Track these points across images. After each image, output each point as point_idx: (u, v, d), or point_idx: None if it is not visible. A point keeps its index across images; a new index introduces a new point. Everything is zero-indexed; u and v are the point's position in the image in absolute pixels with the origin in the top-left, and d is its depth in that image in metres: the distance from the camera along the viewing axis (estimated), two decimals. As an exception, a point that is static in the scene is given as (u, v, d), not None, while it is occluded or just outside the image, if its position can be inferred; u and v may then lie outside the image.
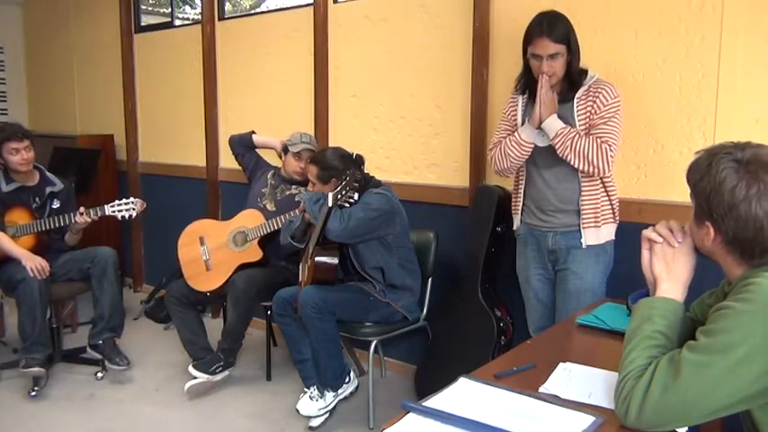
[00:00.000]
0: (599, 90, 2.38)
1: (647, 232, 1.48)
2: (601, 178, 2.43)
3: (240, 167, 3.74)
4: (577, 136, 2.34)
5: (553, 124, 2.37)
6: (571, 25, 2.40)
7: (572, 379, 1.51)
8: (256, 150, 3.70)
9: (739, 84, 2.41)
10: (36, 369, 3.23)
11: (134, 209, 3.44)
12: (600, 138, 2.34)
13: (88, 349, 3.48)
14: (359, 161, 2.99)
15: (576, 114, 2.41)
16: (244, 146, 3.67)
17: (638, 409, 1.25)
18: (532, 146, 2.46)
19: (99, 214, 3.39)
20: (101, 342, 3.42)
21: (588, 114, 2.39)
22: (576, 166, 2.36)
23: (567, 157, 2.36)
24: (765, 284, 1.22)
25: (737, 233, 1.28)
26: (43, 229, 3.41)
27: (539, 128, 2.41)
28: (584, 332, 1.91)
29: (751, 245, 1.28)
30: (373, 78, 3.53)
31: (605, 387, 1.44)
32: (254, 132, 3.70)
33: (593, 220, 2.44)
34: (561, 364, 1.59)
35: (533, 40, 2.37)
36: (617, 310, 2.01)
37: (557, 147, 2.37)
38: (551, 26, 2.35)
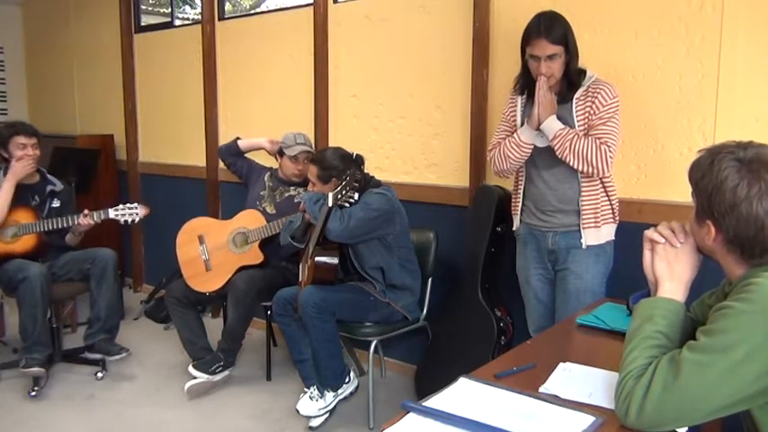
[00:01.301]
0: (597, 90, 2.38)
1: (649, 233, 1.48)
2: (600, 178, 2.43)
3: (235, 176, 3.74)
4: (576, 137, 2.34)
5: (552, 125, 2.36)
6: (569, 26, 2.39)
7: (572, 379, 1.51)
8: (246, 155, 3.68)
9: (739, 84, 2.41)
10: (36, 369, 3.24)
11: (137, 214, 3.45)
12: (599, 138, 2.34)
13: (86, 351, 3.49)
14: (359, 161, 2.99)
15: (574, 115, 2.41)
16: (232, 154, 3.66)
17: (638, 408, 1.25)
18: (532, 147, 2.46)
19: (102, 217, 3.41)
20: (95, 342, 3.42)
21: (587, 115, 2.39)
22: (574, 166, 2.36)
23: (565, 158, 2.36)
24: (766, 284, 1.23)
25: (738, 232, 1.28)
26: (45, 229, 3.42)
27: (537, 129, 2.41)
28: (584, 332, 1.91)
29: (752, 244, 1.28)
30: (373, 78, 3.53)
31: (605, 387, 1.44)
32: (238, 138, 3.68)
33: (592, 220, 2.44)
34: (561, 364, 1.59)
35: (531, 41, 2.37)
36: (617, 310, 2.01)
37: (555, 148, 2.37)
38: (549, 27, 2.35)
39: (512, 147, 2.48)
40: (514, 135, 2.49)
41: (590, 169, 2.34)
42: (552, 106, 2.39)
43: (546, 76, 2.37)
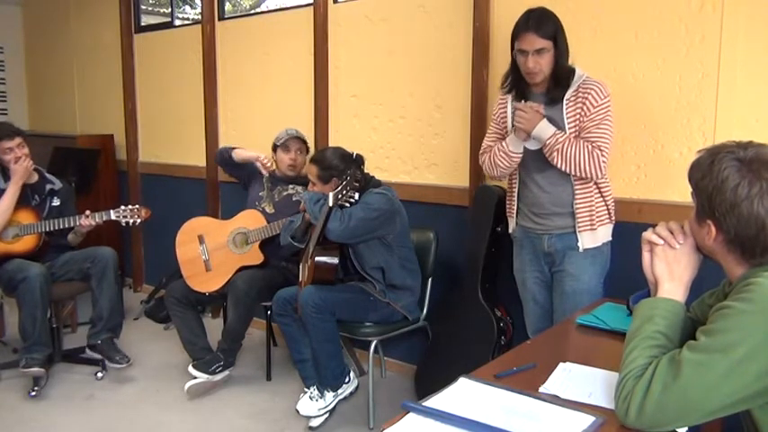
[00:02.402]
0: (588, 90, 2.35)
1: (647, 234, 1.48)
2: (594, 180, 2.42)
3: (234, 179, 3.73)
4: (568, 143, 2.31)
5: (545, 131, 2.33)
6: (560, 23, 2.37)
7: (572, 379, 1.51)
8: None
9: (739, 84, 2.41)
10: (36, 369, 3.23)
11: (138, 216, 3.46)
12: (592, 143, 2.31)
13: (87, 349, 3.49)
14: (359, 161, 2.98)
15: (565, 117, 2.37)
16: (229, 165, 3.62)
17: (638, 408, 1.25)
18: (521, 155, 2.46)
19: (104, 218, 3.42)
20: (99, 342, 3.42)
21: (578, 116, 2.36)
22: (567, 172, 2.35)
23: (558, 165, 2.34)
24: (766, 284, 1.23)
25: (739, 232, 1.28)
26: (47, 230, 3.42)
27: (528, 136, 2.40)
28: (583, 332, 1.91)
29: (752, 244, 1.28)
30: (373, 78, 3.53)
31: (605, 387, 1.44)
32: (233, 148, 3.62)
33: (588, 222, 2.42)
34: (561, 364, 1.59)
35: (520, 35, 2.35)
36: (617, 310, 2.01)
37: (547, 155, 2.35)
38: (539, 22, 2.33)
39: (501, 156, 2.47)
40: (503, 143, 2.48)
41: (583, 174, 2.33)
42: (539, 115, 2.36)
43: (534, 72, 2.35)
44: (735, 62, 2.41)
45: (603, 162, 2.32)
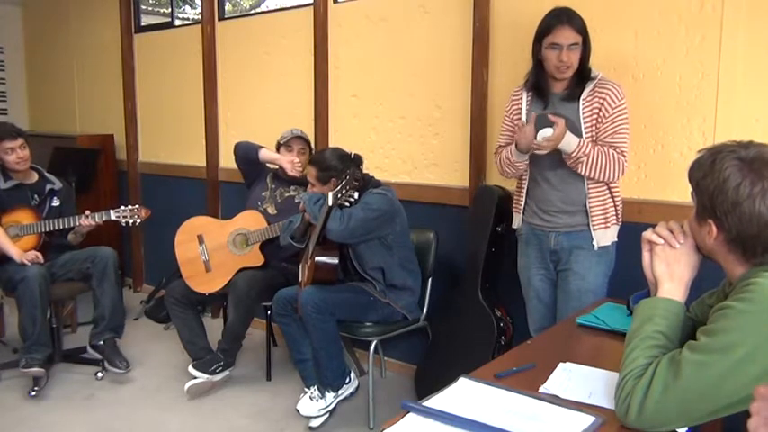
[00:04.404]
0: (605, 92, 2.37)
1: (648, 234, 1.48)
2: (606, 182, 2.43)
3: (241, 174, 3.72)
4: (594, 153, 2.33)
5: (570, 145, 2.33)
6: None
7: (572, 379, 1.51)
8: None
9: (739, 84, 2.41)
10: (36, 369, 3.23)
11: (138, 216, 3.46)
12: (617, 149, 2.35)
13: (88, 349, 3.48)
14: (357, 161, 2.98)
15: (581, 116, 2.39)
16: (249, 162, 3.53)
17: (638, 408, 1.25)
18: (526, 161, 2.46)
19: (104, 218, 3.42)
20: (101, 342, 3.42)
21: (595, 117, 2.38)
22: (589, 177, 2.37)
23: (582, 172, 2.36)
24: (766, 284, 1.23)
25: (740, 231, 1.28)
26: (47, 230, 3.42)
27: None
28: (584, 332, 1.91)
29: (753, 243, 1.28)
30: (373, 78, 3.53)
31: (605, 387, 1.44)
32: (261, 147, 3.50)
33: (602, 220, 2.43)
34: (561, 364, 1.59)
35: (554, 29, 2.35)
36: (617, 310, 2.01)
37: (571, 165, 2.36)
38: (571, 17, 2.36)
39: (506, 163, 2.50)
40: (509, 151, 2.48)
41: (605, 179, 2.37)
42: (562, 131, 2.33)
43: (566, 65, 2.36)
44: (735, 62, 2.41)
45: (625, 165, 2.37)
